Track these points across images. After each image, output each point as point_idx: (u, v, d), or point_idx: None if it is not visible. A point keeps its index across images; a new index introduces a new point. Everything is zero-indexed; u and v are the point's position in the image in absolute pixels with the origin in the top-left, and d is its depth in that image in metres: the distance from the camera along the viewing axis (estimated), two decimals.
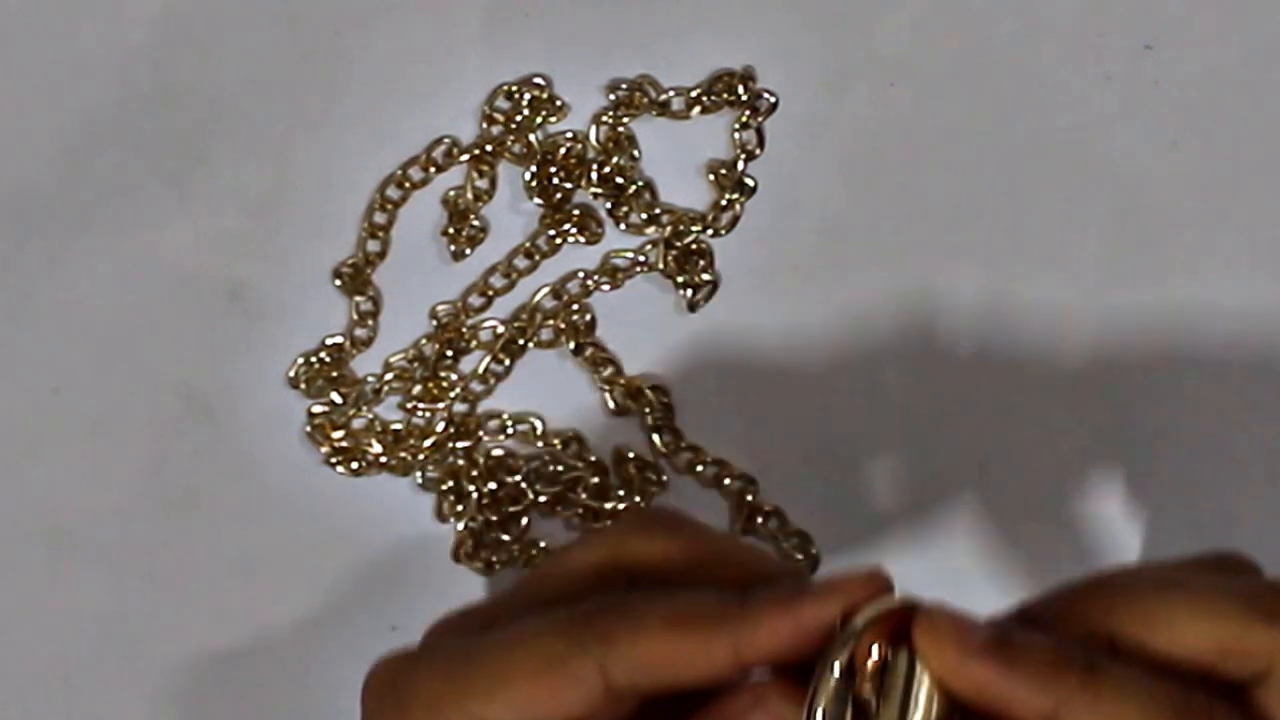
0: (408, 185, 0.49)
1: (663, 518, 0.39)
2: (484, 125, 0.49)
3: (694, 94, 0.49)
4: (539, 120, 0.49)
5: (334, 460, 0.49)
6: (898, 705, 0.34)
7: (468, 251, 0.49)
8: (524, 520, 0.49)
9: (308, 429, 0.49)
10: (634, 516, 0.43)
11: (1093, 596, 0.36)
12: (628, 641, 0.35)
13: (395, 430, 0.49)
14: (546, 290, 0.49)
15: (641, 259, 0.49)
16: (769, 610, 0.35)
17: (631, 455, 0.49)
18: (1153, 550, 0.49)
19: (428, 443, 0.49)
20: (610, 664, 0.35)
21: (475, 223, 0.49)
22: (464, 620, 0.39)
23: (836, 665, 0.34)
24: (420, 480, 0.49)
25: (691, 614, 0.35)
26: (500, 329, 0.49)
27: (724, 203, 0.49)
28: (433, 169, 0.49)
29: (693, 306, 0.49)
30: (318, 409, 0.49)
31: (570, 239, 0.49)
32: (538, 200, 0.49)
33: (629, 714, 0.37)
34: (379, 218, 0.49)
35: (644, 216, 0.49)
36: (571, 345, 0.49)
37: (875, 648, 0.34)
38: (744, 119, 0.49)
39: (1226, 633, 0.35)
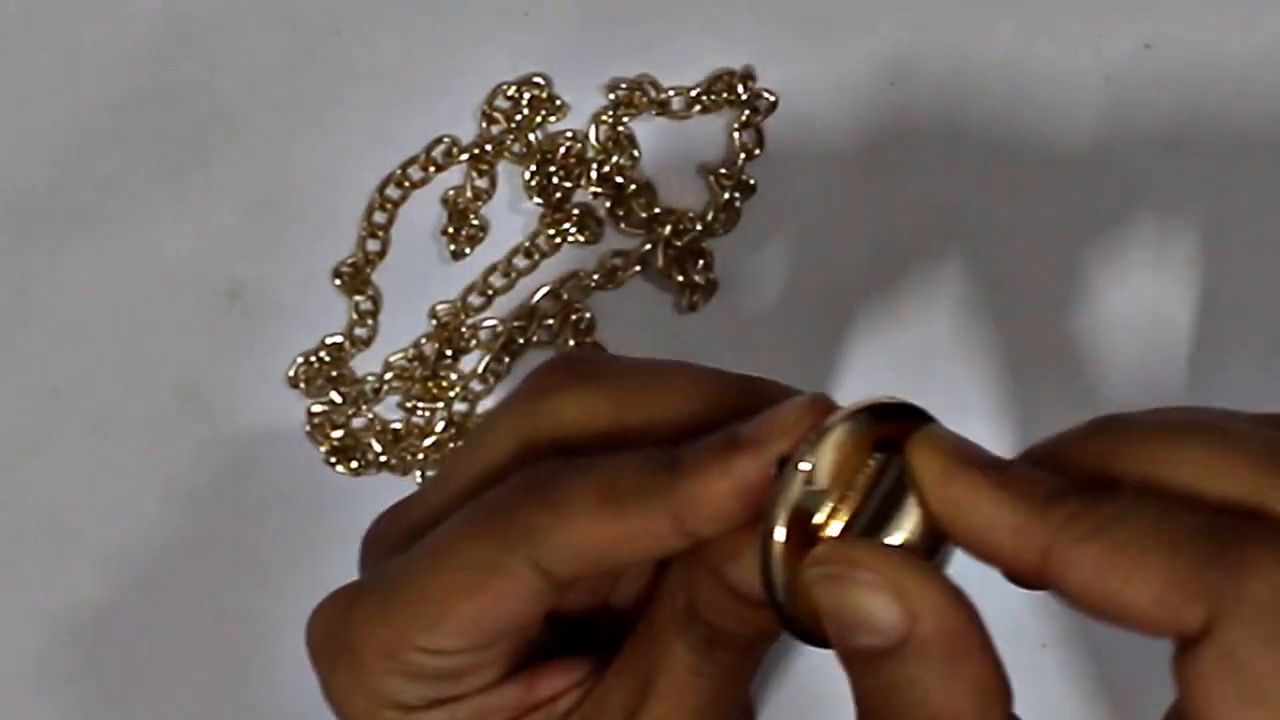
0: (407, 185, 0.49)
1: (577, 367, 0.35)
2: (484, 125, 0.49)
3: (694, 94, 0.49)
4: (539, 120, 0.49)
5: (334, 460, 0.49)
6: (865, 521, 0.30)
7: (467, 251, 0.49)
8: None
9: (308, 429, 0.49)
10: (546, 371, 0.36)
11: (1100, 441, 0.31)
12: (558, 531, 0.32)
13: (395, 430, 0.49)
14: (546, 290, 0.49)
15: (640, 259, 0.49)
16: (701, 473, 0.31)
17: None
18: None
19: (428, 442, 0.49)
20: (543, 558, 0.32)
21: (475, 222, 0.49)
22: (394, 522, 0.36)
23: (784, 500, 0.30)
24: (420, 479, 0.49)
25: (619, 490, 0.31)
26: (500, 329, 0.49)
27: (724, 202, 0.49)
28: (432, 168, 0.49)
29: (692, 307, 0.49)
30: (318, 409, 0.49)
31: (570, 239, 0.49)
32: (537, 200, 0.49)
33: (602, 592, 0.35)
34: (379, 217, 0.49)
35: (644, 216, 0.49)
36: (571, 345, 0.49)
37: (847, 454, 0.30)
38: (744, 119, 0.49)
39: (1239, 489, 0.29)
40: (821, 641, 0.31)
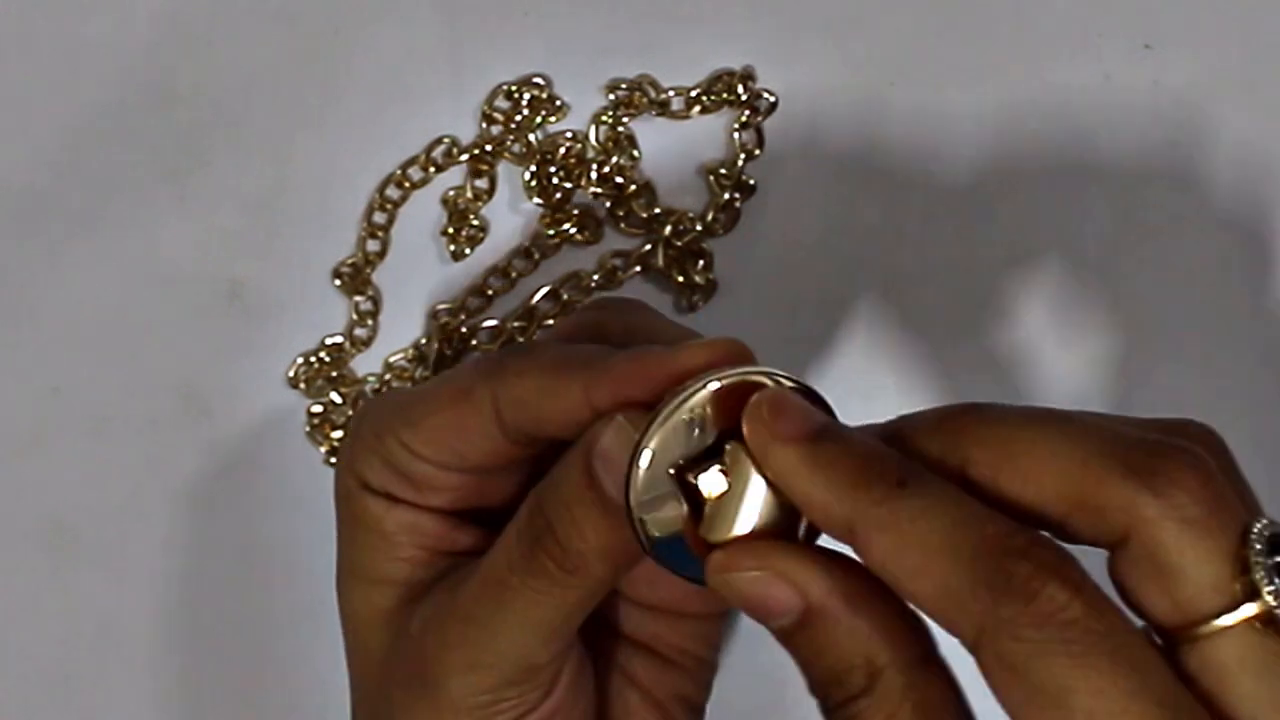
0: (407, 185, 0.49)
1: (636, 304, 0.42)
2: (484, 125, 0.49)
3: (694, 94, 0.49)
4: (539, 120, 0.49)
5: (334, 460, 0.49)
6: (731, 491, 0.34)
7: (467, 251, 0.49)
8: None
9: (308, 429, 0.49)
10: (608, 298, 0.44)
11: (959, 421, 0.33)
12: (515, 375, 0.37)
13: None
14: (546, 290, 0.49)
15: (640, 259, 0.49)
16: (621, 357, 0.36)
17: None
18: None
19: None
20: (500, 396, 0.37)
21: (475, 223, 0.49)
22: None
23: (673, 412, 0.34)
24: None
25: (566, 357, 0.37)
26: (500, 329, 0.49)
27: (724, 203, 0.49)
28: (432, 169, 0.49)
29: (692, 307, 0.49)
30: (318, 409, 0.49)
31: (570, 239, 0.49)
32: (537, 200, 0.49)
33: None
34: (379, 218, 0.49)
35: (644, 216, 0.49)
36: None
37: (711, 413, 0.33)
38: (744, 119, 0.49)
39: (1080, 480, 0.31)
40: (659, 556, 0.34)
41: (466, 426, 0.38)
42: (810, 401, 0.34)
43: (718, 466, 0.34)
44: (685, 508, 0.34)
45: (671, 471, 0.34)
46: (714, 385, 0.34)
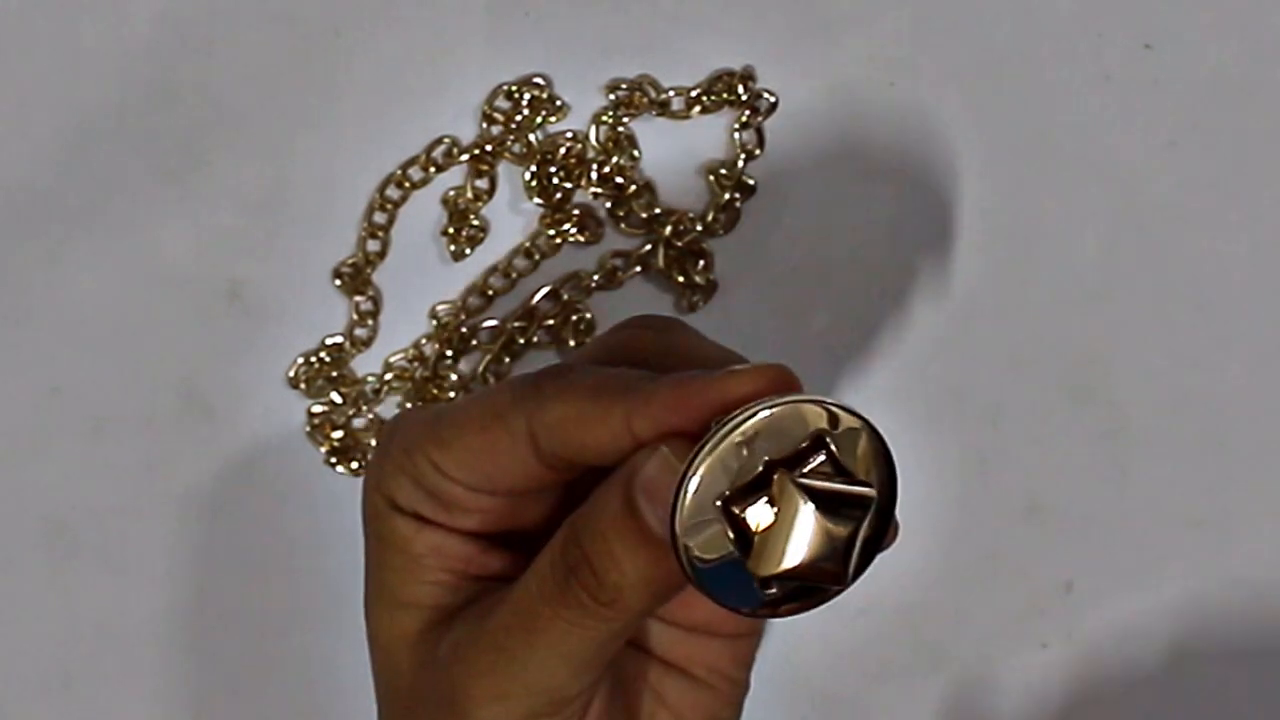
0: (408, 185, 0.49)
1: (673, 322, 0.42)
2: (484, 125, 0.49)
3: (694, 94, 0.49)
4: (539, 120, 0.49)
5: (334, 460, 0.49)
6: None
7: (468, 251, 0.49)
8: None
9: (308, 429, 0.49)
10: (646, 317, 0.44)
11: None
12: (552, 400, 0.36)
13: None
14: (546, 290, 0.49)
15: (641, 259, 0.49)
16: (665, 384, 0.35)
17: None
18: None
19: None
20: (536, 421, 0.37)
21: (475, 223, 0.49)
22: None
23: (721, 442, 0.33)
24: None
25: (607, 382, 0.36)
26: (500, 329, 0.49)
27: (724, 203, 0.49)
28: (432, 169, 0.49)
29: (692, 307, 0.49)
30: (318, 409, 0.49)
31: (570, 239, 0.49)
32: (538, 200, 0.49)
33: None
34: (379, 218, 0.49)
35: (644, 217, 0.49)
36: (571, 345, 0.49)
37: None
38: (744, 119, 0.49)
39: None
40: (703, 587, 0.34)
41: (499, 450, 0.37)
42: (865, 427, 0.34)
43: (765, 498, 0.33)
44: (732, 539, 0.33)
45: (718, 503, 0.33)
46: (762, 415, 0.33)
